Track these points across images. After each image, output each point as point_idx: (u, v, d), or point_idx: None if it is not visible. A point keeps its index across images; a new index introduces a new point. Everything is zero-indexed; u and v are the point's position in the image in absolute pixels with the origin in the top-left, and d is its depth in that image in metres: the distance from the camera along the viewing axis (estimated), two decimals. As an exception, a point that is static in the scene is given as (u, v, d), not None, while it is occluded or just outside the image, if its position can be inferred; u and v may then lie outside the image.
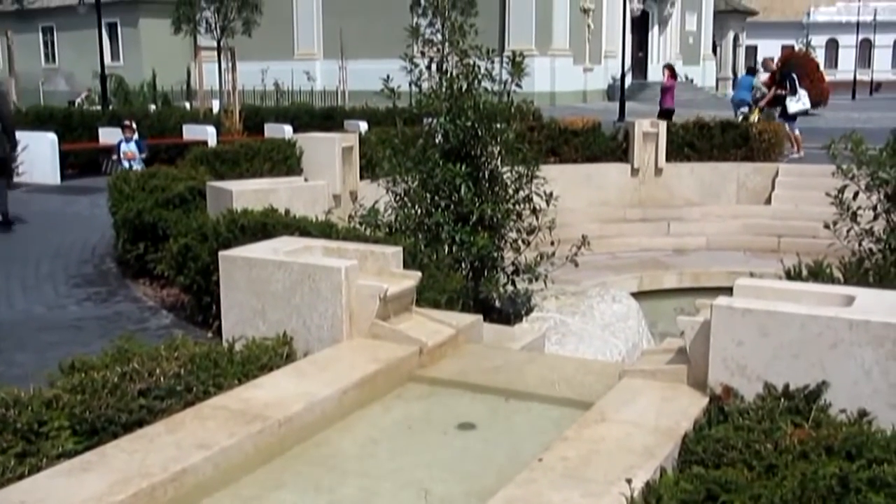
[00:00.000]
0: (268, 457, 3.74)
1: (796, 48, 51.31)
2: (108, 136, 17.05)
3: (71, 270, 9.06)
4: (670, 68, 21.79)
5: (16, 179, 14.91)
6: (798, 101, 17.81)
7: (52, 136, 15.46)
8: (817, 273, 5.73)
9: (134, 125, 14.92)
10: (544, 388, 4.57)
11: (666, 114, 19.63)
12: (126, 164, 13.48)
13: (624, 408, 3.96)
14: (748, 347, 3.89)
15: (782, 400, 3.70)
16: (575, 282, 10.01)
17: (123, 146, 14.27)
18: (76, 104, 27.19)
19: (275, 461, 3.76)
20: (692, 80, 49.40)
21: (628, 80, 38.56)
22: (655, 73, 47.71)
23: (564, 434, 3.69)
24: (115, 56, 45.98)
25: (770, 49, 62.57)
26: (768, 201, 14.27)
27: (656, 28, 48.86)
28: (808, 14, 71.38)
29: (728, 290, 4.32)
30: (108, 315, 7.52)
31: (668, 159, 14.30)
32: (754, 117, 17.70)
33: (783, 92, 18.14)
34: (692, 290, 11.63)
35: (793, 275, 5.84)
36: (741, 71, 57.37)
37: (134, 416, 3.80)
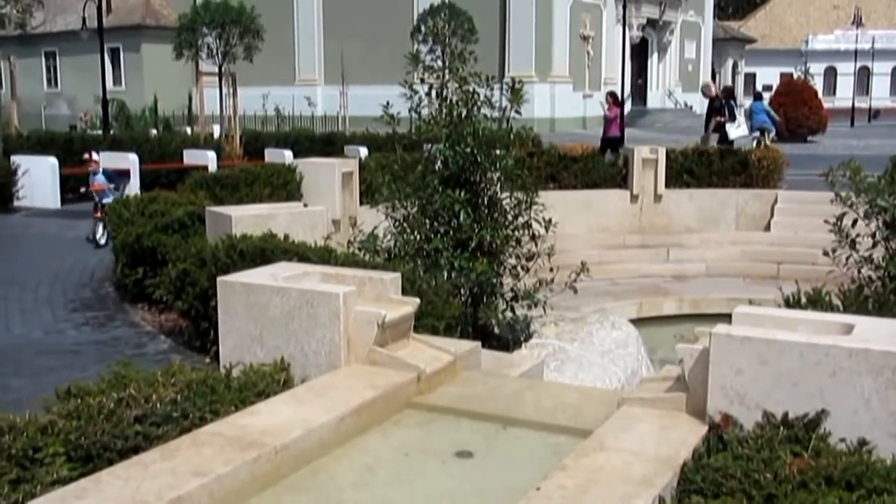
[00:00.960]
0: (264, 484, 3.71)
1: (795, 76, 51.54)
2: (108, 160, 17.07)
3: (69, 295, 9.05)
4: (613, 96, 19.93)
5: (16, 203, 14.97)
6: (738, 128, 18.16)
7: (52, 161, 15.51)
8: (816, 301, 5.72)
9: (96, 157, 13.42)
10: (543, 415, 4.55)
11: (609, 143, 17.82)
12: (96, 198, 12.36)
13: (623, 436, 3.94)
14: (747, 376, 3.87)
15: (781, 429, 3.68)
16: (574, 308, 10.00)
17: (91, 178, 13.05)
18: (77, 127, 27.28)
19: (271, 489, 3.73)
20: (691, 107, 49.58)
21: (628, 106, 38.65)
22: (655, 100, 48.03)
23: (563, 463, 3.67)
24: (117, 81, 46.18)
25: (769, 76, 62.96)
26: (767, 228, 14.28)
27: (656, 55, 49.13)
28: (807, 42, 71.73)
29: (728, 317, 4.31)
30: (105, 340, 7.51)
31: (667, 185, 14.33)
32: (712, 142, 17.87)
33: (723, 119, 18.52)
34: (692, 316, 11.60)
35: (792, 302, 5.83)
36: (741, 99, 57.67)
37: (129, 443, 3.77)
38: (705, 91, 19.45)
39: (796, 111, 36.56)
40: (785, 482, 3.27)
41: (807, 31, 72.42)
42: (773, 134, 18.50)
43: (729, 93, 20.18)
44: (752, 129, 24.28)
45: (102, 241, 11.41)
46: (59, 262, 10.47)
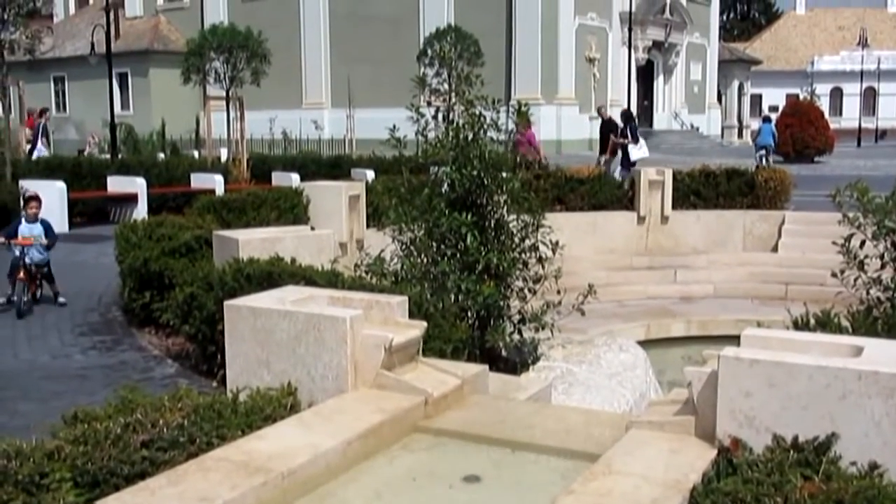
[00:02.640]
0: (271, 510, 3.69)
1: (801, 96, 51.64)
2: (116, 184, 17.17)
3: (77, 319, 9.06)
4: (522, 116, 18.18)
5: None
6: (640, 149, 18.35)
7: (60, 185, 15.57)
8: (825, 323, 5.69)
9: (39, 197, 10.01)
10: (551, 439, 4.52)
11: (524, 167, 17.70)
12: (17, 252, 9.18)
13: (631, 460, 3.92)
14: (756, 399, 3.85)
15: (792, 452, 3.66)
16: (582, 330, 9.97)
17: (20, 227, 9.45)
18: (85, 152, 27.41)
19: (278, 514, 3.71)
20: (698, 129, 49.70)
21: (635, 128, 38.77)
22: (661, 122, 48.12)
23: (571, 487, 3.65)
24: (125, 105, 46.48)
25: (775, 97, 63.17)
26: (775, 249, 14.25)
27: (661, 77, 49.27)
28: (812, 63, 71.94)
29: (736, 339, 4.29)
30: (113, 364, 7.51)
31: (674, 207, 14.31)
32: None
33: (626, 141, 18.63)
34: (700, 338, 11.56)
35: (800, 324, 5.80)
36: (747, 120, 57.85)
37: (136, 468, 3.76)
38: (601, 113, 19.51)
39: (803, 132, 36.59)
40: (795, 506, 3.24)
41: (812, 52, 72.69)
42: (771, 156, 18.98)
43: (629, 116, 20.33)
44: (757, 148, 26.02)
45: (24, 309, 9.04)
46: (67, 287, 10.46)
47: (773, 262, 14.02)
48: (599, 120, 19.36)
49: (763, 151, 27.13)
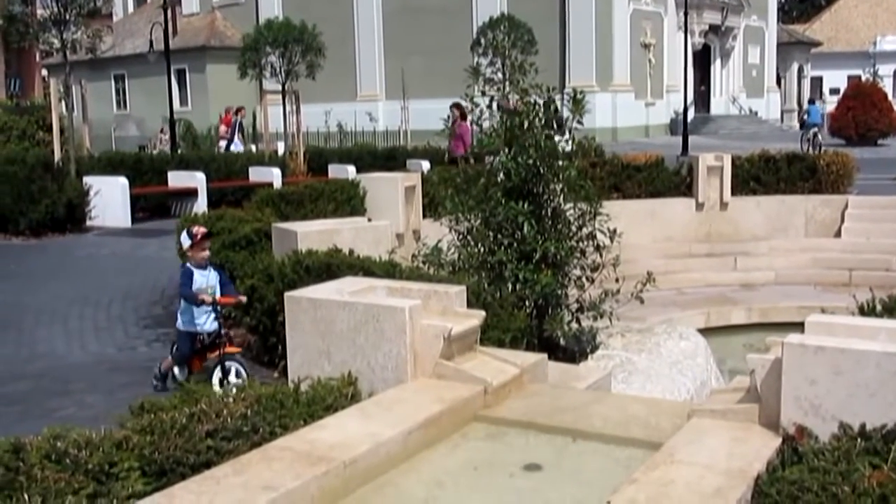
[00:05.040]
0: (332, 499, 3.73)
1: (863, 78, 50.46)
2: (176, 179, 17.44)
3: (141, 312, 9.24)
4: (458, 108, 16.80)
5: (88, 223, 15.36)
6: (565, 141, 17.41)
7: (123, 181, 15.88)
8: (892, 308, 5.57)
9: (211, 233, 7.19)
10: (611, 428, 4.50)
11: (456, 163, 15.91)
12: (202, 319, 6.48)
13: (694, 448, 3.88)
14: (822, 386, 3.78)
15: (859, 440, 3.59)
16: (641, 319, 9.88)
17: (196, 277, 6.44)
18: (156, 150, 27.86)
19: (339, 503, 3.75)
20: (756, 113, 48.91)
21: (691, 113, 38.32)
22: (718, 107, 47.45)
23: (633, 476, 3.62)
24: (183, 101, 47.14)
25: (836, 80, 61.73)
26: (838, 234, 13.96)
27: (718, 61, 48.55)
28: (875, 43, 70.19)
29: (799, 326, 4.22)
30: (176, 356, 7.63)
31: (733, 193, 14.10)
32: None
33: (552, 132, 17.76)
34: (761, 325, 11.40)
35: (866, 310, 5.68)
36: (805, 103, 56.83)
37: (201, 458, 3.83)
38: (503, 104, 17.99)
39: (865, 114, 35.78)
40: (864, 495, 3.18)
41: (874, 32, 70.87)
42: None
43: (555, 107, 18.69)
44: (807, 127, 29.85)
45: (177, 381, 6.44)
46: (131, 281, 10.70)
47: (837, 248, 13.75)
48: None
49: (815, 129, 31.05)
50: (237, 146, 23.01)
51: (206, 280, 6.38)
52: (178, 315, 6.59)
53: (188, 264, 6.43)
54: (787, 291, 12.88)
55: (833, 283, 12.97)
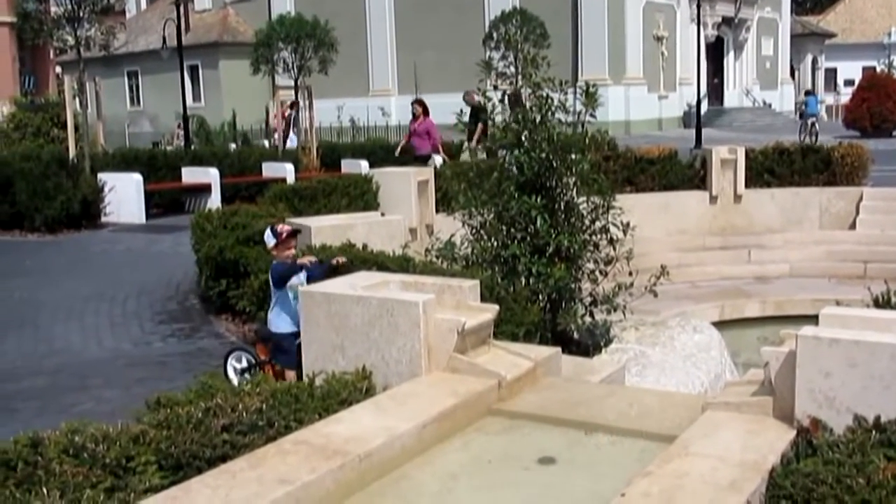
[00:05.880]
0: (348, 492, 3.75)
1: (878, 69, 50.13)
2: (190, 175, 17.50)
3: (156, 307, 9.28)
4: (420, 104, 16.55)
5: (103, 219, 15.43)
6: None
7: (137, 177, 15.93)
8: (907, 300, 5.55)
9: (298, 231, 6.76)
10: (625, 421, 4.50)
11: (421, 161, 15.28)
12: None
13: (708, 441, 3.88)
14: (836, 378, 3.78)
15: (874, 433, 3.59)
16: (654, 312, 9.87)
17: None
18: (172, 145, 27.94)
19: (355, 496, 3.77)
20: (770, 105, 48.66)
21: (704, 106, 38.15)
22: (732, 99, 47.21)
23: (647, 468, 3.63)
24: (196, 97, 47.24)
25: (851, 71, 61.36)
26: (853, 226, 13.89)
27: (732, 53, 48.30)
28: (889, 34, 69.67)
29: (813, 319, 4.21)
30: (191, 351, 7.69)
31: (747, 186, 14.05)
32: (464, 155, 16.20)
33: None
34: (776, 318, 11.34)
35: (881, 303, 5.67)
36: (821, 94, 56.60)
37: (217, 452, 3.85)
38: (468, 99, 17.29)
39: (880, 105, 35.51)
40: (879, 487, 3.18)
41: (889, 23, 70.32)
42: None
43: (516, 99, 17.51)
44: (805, 118, 32.35)
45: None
46: (146, 276, 10.74)
47: (852, 240, 13.68)
48: (469, 107, 17.39)
49: (813, 118, 32.80)
50: (293, 141, 23.11)
51: (297, 279, 6.03)
52: (273, 318, 6.07)
53: (275, 262, 6.17)
54: (801, 284, 12.82)
55: (848, 275, 12.90)
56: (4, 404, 6.40)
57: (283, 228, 6.22)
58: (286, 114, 24.01)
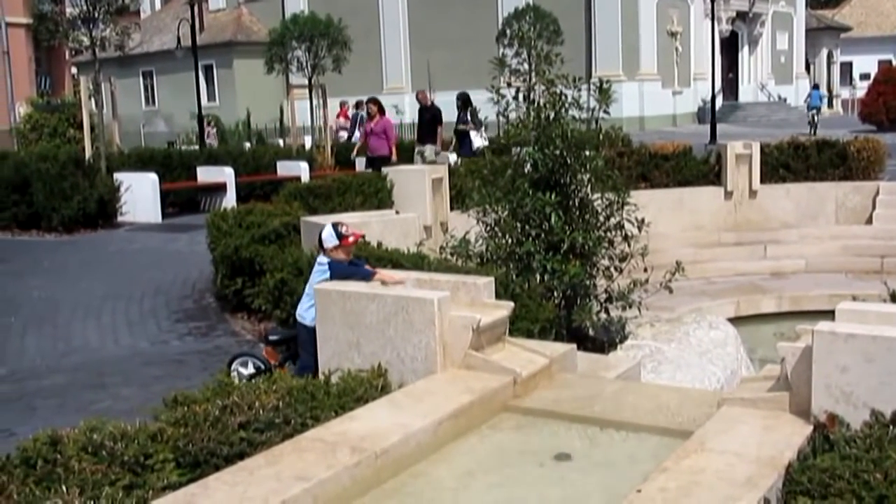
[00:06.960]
0: (364, 489, 3.77)
1: (894, 63, 49.80)
2: (205, 175, 17.57)
3: (172, 306, 9.33)
4: (375, 103, 16.11)
5: (119, 218, 15.51)
6: (482, 137, 16.65)
7: (153, 177, 16.00)
8: (924, 295, 5.52)
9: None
10: (641, 417, 4.50)
11: (375, 164, 14.73)
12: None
13: (724, 437, 3.88)
14: (853, 374, 3.77)
15: (891, 428, 3.57)
16: (670, 308, 9.85)
17: None
18: (175, 143, 28.04)
19: (371, 493, 3.78)
20: (785, 100, 48.39)
21: (719, 101, 37.97)
22: (747, 95, 46.98)
23: (663, 464, 3.63)
24: (211, 97, 47.34)
25: (866, 65, 60.87)
26: (869, 221, 13.82)
27: (746, 48, 48.05)
28: (906, 27, 69.20)
29: (829, 314, 4.20)
30: (208, 349, 7.72)
31: (762, 181, 13.99)
32: (429, 154, 15.85)
33: (468, 127, 17.03)
34: (792, 314, 11.30)
35: (898, 297, 5.64)
36: (837, 89, 56.25)
37: (235, 449, 3.88)
38: (420, 99, 17.13)
39: (896, 99, 35.28)
40: (896, 483, 3.17)
41: (906, 16, 69.84)
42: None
43: (467, 100, 17.45)
44: (809, 109, 34.25)
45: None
46: (162, 275, 10.79)
47: (868, 235, 13.61)
48: (419, 106, 16.71)
49: (815, 111, 34.29)
50: (357, 139, 23.28)
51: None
52: (304, 313, 5.74)
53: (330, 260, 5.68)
54: (817, 279, 12.76)
55: (864, 270, 12.83)
56: (25, 402, 6.46)
57: (354, 234, 5.75)
58: (349, 113, 24.03)
